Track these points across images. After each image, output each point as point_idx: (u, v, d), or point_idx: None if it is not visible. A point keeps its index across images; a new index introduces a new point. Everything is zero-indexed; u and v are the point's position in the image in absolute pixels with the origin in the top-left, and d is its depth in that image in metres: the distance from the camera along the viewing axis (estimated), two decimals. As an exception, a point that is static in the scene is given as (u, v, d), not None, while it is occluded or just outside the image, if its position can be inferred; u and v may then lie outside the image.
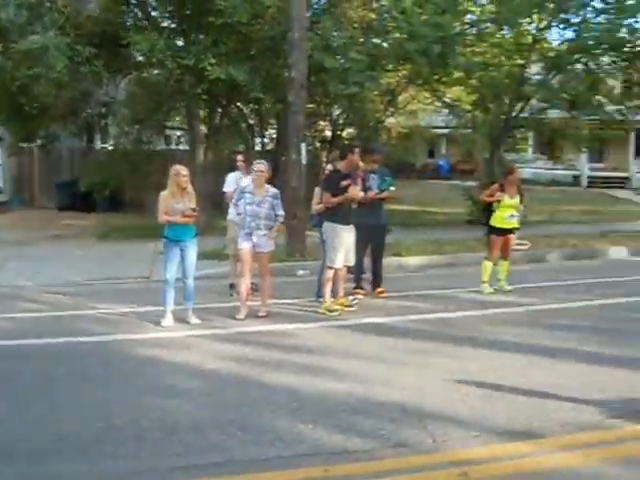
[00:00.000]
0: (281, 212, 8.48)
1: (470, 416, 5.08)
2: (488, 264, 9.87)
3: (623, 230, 16.30)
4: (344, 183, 8.54)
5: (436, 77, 18.21)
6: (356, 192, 8.66)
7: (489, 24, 17.35)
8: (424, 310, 8.72)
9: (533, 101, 18.45)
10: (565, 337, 7.43)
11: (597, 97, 18.04)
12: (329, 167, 9.30)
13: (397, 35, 16.19)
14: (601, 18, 17.01)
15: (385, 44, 16.97)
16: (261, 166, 8.43)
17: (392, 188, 9.67)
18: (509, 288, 9.93)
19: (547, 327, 7.88)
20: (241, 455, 4.48)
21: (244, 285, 8.45)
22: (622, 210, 22.53)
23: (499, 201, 9.80)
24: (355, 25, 17.36)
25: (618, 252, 13.69)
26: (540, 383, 5.83)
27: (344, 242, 8.57)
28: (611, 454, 4.46)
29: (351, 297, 9.00)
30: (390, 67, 18.31)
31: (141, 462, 4.39)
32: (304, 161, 12.15)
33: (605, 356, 6.66)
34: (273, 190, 8.50)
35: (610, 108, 18.15)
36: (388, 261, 10.82)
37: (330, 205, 8.55)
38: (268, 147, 20.68)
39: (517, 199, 9.92)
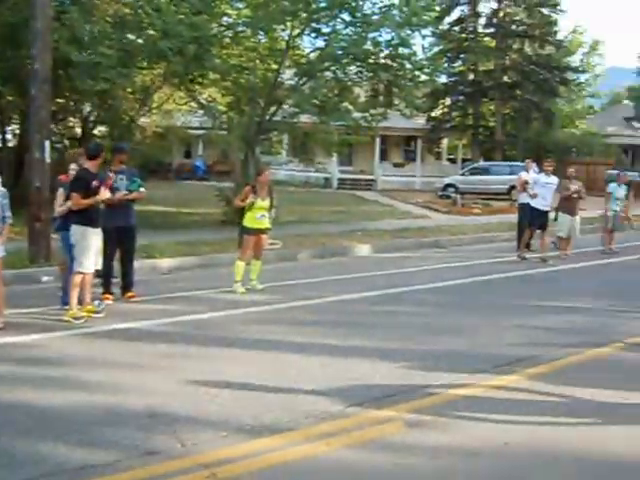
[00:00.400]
0: (8, 213, 7.83)
1: (220, 416, 5.09)
2: (241, 264, 9.99)
3: (368, 229, 17.40)
4: (95, 184, 8.17)
5: (191, 77, 18.11)
6: (106, 194, 8.34)
7: (245, 28, 17.59)
8: (176, 313, 8.54)
9: (286, 105, 18.99)
10: (311, 332, 7.75)
11: (344, 104, 19.01)
12: (73, 166, 8.80)
13: (151, 32, 15.84)
14: (349, 30, 18.02)
15: (140, 40, 16.51)
16: None
17: (142, 189, 9.42)
18: (261, 287, 10.13)
19: (295, 323, 8.17)
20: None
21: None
22: (368, 210, 24.02)
23: (252, 203, 9.98)
24: (108, 19, 16.69)
25: (363, 249, 14.57)
26: (287, 378, 6.01)
27: (93, 245, 8.19)
28: (351, 441, 4.71)
29: (97, 302, 8.52)
30: (144, 65, 17.89)
31: None
32: (48, 159, 11.40)
33: (347, 348, 7.04)
34: (1, 189, 7.88)
35: (357, 115, 19.22)
36: (140, 264, 10.54)
37: (79, 207, 8.12)
38: (10, 144, 19.29)
39: (268, 200, 10.16)
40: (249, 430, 4.83)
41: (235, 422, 4.98)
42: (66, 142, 19.19)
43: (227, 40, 17.88)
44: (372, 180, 37.59)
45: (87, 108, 19.81)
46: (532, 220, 13.84)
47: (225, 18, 18.05)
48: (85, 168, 8.40)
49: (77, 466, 4.26)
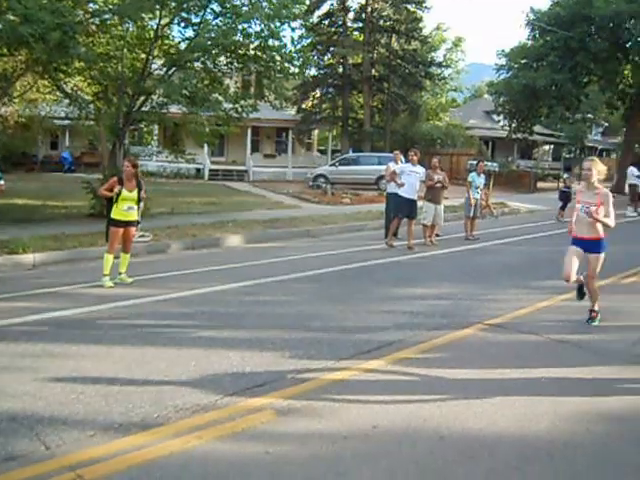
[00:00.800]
0: None
1: (86, 416, 4.97)
2: (109, 257, 9.76)
3: (240, 219, 17.35)
4: None
5: (55, 65, 17.38)
6: None
7: (112, 15, 17.05)
8: (40, 310, 8.20)
9: (155, 95, 18.61)
10: (182, 324, 7.68)
11: (215, 95, 18.84)
12: None
13: (11, 17, 15.05)
14: (219, 20, 17.88)
15: (-1, 25, 15.66)
16: None
17: (1, 182, 9.01)
18: (130, 280, 9.94)
19: (166, 316, 8.06)
20: None
21: None
22: (240, 201, 23.96)
23: (118, 194, 9.78)
24: (-39, 2, 15.71)
25: (235, 240, 14.55)
26: (156, 372, 5.94)
27: None
28: (223, 432, 4.74)
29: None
30: (4, 51, 16.99)
31: None
32: None
33: (218, 339, 7.04)
34: None
35: (227, 106, 19.10)
36: (2, 259, 10.09)
37: None
38: None
39: (135, 192, 9.98)
40: (117, 428, 4.76)
41: (103, 420, 4.88)
42: None
43: (93, 28, 17.26)
44: (244, 171, 37.55)
45: (-61, 96, 18.63)
46: (400, 209, 14.29)
47: (91, 5, 17.38)
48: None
49: None
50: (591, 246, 7.93)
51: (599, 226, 7.83)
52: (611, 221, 7.81)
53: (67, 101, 20.39)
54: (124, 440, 4.58)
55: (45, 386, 5.59)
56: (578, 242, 7.99)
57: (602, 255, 7.92)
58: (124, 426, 4.79)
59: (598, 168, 7.86)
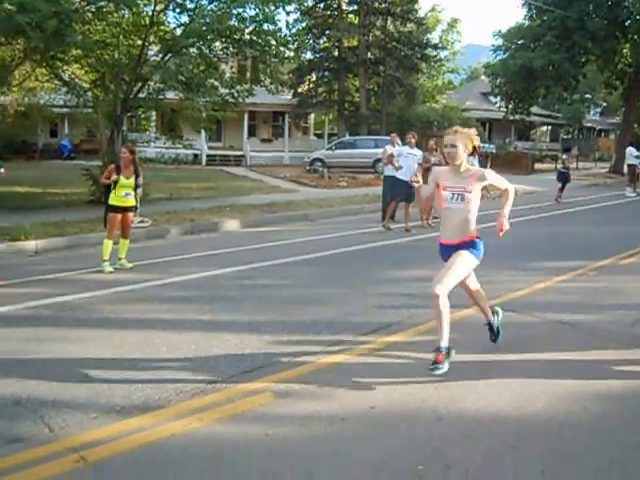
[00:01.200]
0: None
1: (89, 398, 5.04)
2: (108, 243, 9.86)
3: (238, 204, 17.45)
4: None
5: (52, 54, 17.39)
6: None
7: (107, 3, 17.03)
8: (43, 295, 8.31)
9: (152, 82, 18.63)
10: (182, 308, 7.75)
11: (211, 80, 18.85)
12: None
13: (7, 6, 15.05)
14: (213, 6, 17.87)
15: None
16: None
17: (2, 170, 9.10)
18: (130, 265, 10.05)
19: (165, 300, 8.14)
20: None
21: None
22: (237, 185, 24.02)
23: (116, 182, 9.88)
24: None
25: (233, 225, 14.63)
26: (157, 356, 6.02)
27: None
28: (223, 415, 4.81)
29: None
30: (2, 40, 17.00)
31: None
32: None
33: (217, 323, 7.13)
34: None
35: (223, 91, 19.11)
36: (4, 246, 10.18)
37: None
38: None
39: (133, 179, 10.09)
40: (120, 410, 4.83)
41: (105, 403, 4.96)
42: None
43: (89, 15, 17.26)
44: (241, 156, 37.55)
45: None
46: (397, 192, 14.34)
47: (86, -9, 17.38)
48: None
49: None
50: (463, 246, 5.71)
51: (471, 220, 5.68)
52: (508, 186, 6.00)
53: (65, 89, 20.45)
54: (126, 422, 4.66)
55: (48, 370, 5.68)
56: (446, 251, 5.80)
57: (474, 257, 5.72)
58: (126, 409, 4.86)
59: (464, 141, 5.60)
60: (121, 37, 18.22)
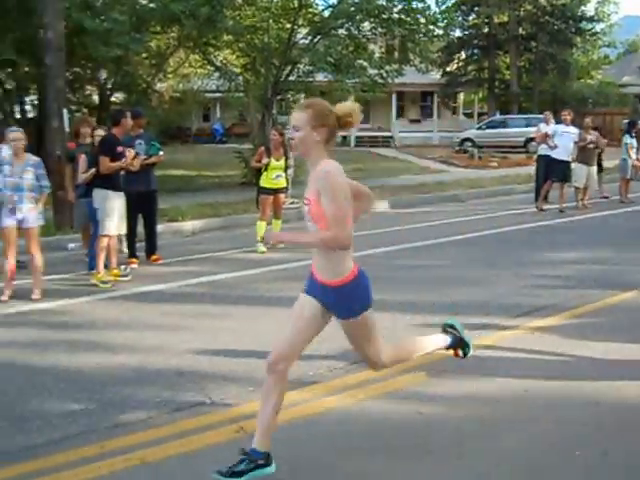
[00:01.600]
0: (46, 182, 7.95)
1: (246, 372, 5.18)
2: (262, 224, 10.13)
3: (387, 185, 17.40)
4: (120, 149, 8.29)
5: (205, 40, 18.06)
6: (132, 155, 8.50)
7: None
8: (200, 274, 8.70)
9: (301, 65, 18.92)
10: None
11: (359, 61, 18.89)
12: (99, 132, 8.93)
13: (163, -4, 15.79)
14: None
15: (152, 5, 16.45)
16: (15, 134, 7.84)
17: (160, 153, 9.53)
18: (282, 245, 10.20)
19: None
20: (7, 446, 4.19)
21: (8, 265, 7.79)
22: (386, 167, 23.98)
23: (267, 164, 10.11)
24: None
25: (382, 205, 14.61)
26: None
27: (116, 209, 8.31)
28: (375, 392, 4.81)
29: (123, 266, 8.77)
30: (158, 29, 17.87)
31: None
32: (67, 128, 11.53)
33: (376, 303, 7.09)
34: (34, 158, 7.90)
35: (372, 72, 19.10)
36: (163, 227, 10.71)
37: (107, 171, 8.21)
38: (30, 114, 19.37)
39: (283, 160, 10.28)
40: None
41: (261, 377, 5.00)
42: (84, 110, 19.21)
43: (239, 1, 17.75)
44: (389, 137, 37.44)
45: (103, 75, 19.84)
46: (552, 171, 13.80)
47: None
48: (111, 133, 8.56)
49: (110, 425, 4.39)
50: (330, 300, 3.72)
51: (336, 255, 3.63)
52: (327, 235, 3.56)
53: (217, 74, 21.20)
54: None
55: (207, 344, 5.93)
56: (313, 286, 3.85)
57: (360, 318, 3.68)
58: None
59: (315, 121, 3.57)
60: (270, 21, 18.62)
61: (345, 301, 3.65)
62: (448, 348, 4.24)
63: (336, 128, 3.70)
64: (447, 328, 4.27)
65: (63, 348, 6.02)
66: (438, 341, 4.22)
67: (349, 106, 3.69)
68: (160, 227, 9.96)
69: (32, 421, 4.51)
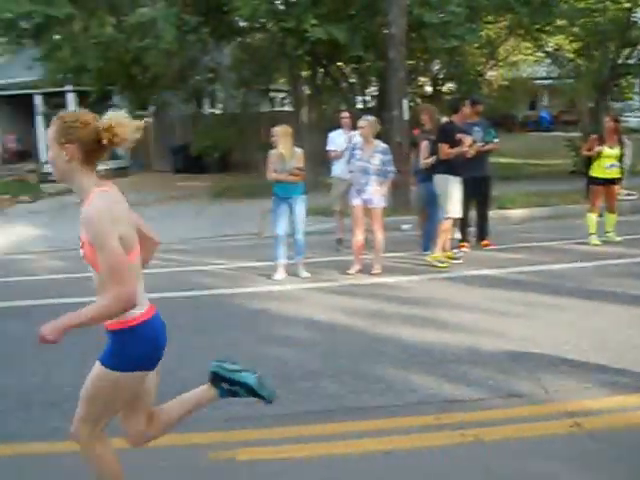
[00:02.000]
0: (391, 168, 8.48)
1: (580, 367, 5.04)
2: (592, 216, 9.69)
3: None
4: (459, 136, 8.54)
5: (537, 26, 17.69)
6: (469, 141, 8.68)
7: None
8: (528, 262, 8.66)
9: (640, 46, 17.65)
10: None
11: None
12: (444, 119, 9.27)
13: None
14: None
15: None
16: (361, 122, 8.47)
17: (496, 140, 9.61)
18: (618, 239, 9.71)
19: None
20: (353, 403, 4.62)
21: (357, 241, 8.55)
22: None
23: (599, 153, 9.62)
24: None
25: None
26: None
27: (457, 193, 8.57)
28: None
29: (456, 250, 9.06)
30: (490, 19, 17.92)
31: (256, 409, 4.16)
32: (406, 117, 12.17)
33: None
34: (382, 145, 8.47)
35: None
36: (492, 213, 10.75)
37: (446, 157, 8.49)
38: (369, 105, 20.63)
39: (617, 149, 9.72)
40: (612, 384, 4.70)
41: (596, 374, 4.89)
42: (418, 100, 19.96)
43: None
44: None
45: (436, 67, 20.44)
46: None
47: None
48: (450, 120, 8.84)
49: (445, 399, 4.59)
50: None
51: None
52: (108, 300, 2.68)
53: (548, 61, 20.60)
54: (622, 398, 4.50)
55: (539, 333, 5.86)
56: None
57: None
58: (619, 384, 4.70)
59: (52, 127, 2.84)
60: (607, 2, 17.56)
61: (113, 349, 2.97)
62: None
63: (95, 144, 2.81)
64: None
65: (400, 320, 6.43)
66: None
67: (114, 118, 2.81)
68: (490, 213, 10.05)
69: (376, 384, 4.92)
